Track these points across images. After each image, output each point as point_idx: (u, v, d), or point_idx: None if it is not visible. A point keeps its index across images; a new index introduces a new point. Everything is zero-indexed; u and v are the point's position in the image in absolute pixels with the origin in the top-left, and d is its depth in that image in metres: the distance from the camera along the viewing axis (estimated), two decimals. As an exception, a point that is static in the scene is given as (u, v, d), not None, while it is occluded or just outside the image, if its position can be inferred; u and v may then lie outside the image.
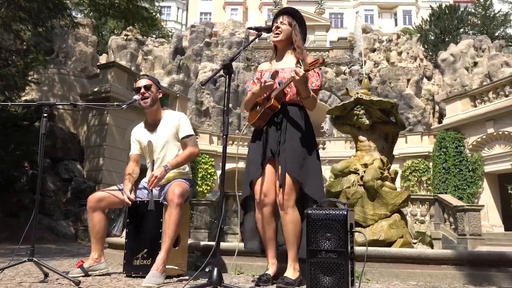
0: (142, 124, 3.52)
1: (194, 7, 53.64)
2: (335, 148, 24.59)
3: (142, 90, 3.25)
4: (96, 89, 14.58)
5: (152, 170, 3.27)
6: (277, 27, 2.99)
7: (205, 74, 27.49)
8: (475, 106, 16.74)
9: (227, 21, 32.90)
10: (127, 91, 14.89)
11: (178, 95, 18.15)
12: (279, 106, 2.84)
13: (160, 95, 3.36)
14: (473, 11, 40.09)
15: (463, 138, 16.73)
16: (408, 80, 27.38)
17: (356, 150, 7.34)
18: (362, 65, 25.69)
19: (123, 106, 3.23)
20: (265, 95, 2.95)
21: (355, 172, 6.89)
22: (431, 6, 41.48)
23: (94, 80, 15.51)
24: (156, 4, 42.59)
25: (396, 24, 51.10)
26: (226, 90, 2.50)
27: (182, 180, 3.19)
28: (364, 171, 6.78)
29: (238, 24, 31.16)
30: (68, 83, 15.99)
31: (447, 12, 37.66)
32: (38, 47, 18.78)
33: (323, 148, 24.90)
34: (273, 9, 43.25)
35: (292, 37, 3.01)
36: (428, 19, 38.94)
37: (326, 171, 24.17)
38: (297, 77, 2.63)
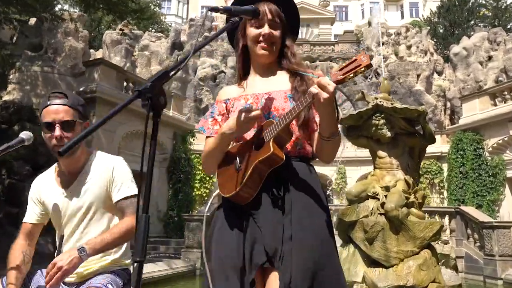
0: (50, 173, 2.20)
1: (195, 0, 52.21)
2: (342, 148, 23.24)
3: (57, 131, 1.92)
4: (81, 89, 13.33)
5: (59, 252, 2.01)
6: (269, 36, 1.73)
7: (204, 70, 26.19)
8: (495, 105, 15.36)
9: (228, 14, 31.45)
10: (115, 90, 13.65)
11: (172, 93, 16.87)
12: (284, 158, 1.56)
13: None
14: (484, 2, 38.46)
15: (482, 140, 15.36)
16: (418, 76, 25.97)
17: (375, 168, 6.06)
18: (381, 65, 24.00)
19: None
20: (245, 137, 1.71)
21: (374, 197, 5.63)
22: (440, -2, 39.92)
23: (81, 78, 14.28)
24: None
25: (402, 17, 49.60)
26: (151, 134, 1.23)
27: (109, 278, 1.89)
28: (386, 196, 5.53)
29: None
30: (52, 82, 14.74)
31: (457, 3, 36.11)
32: (19, 42, 17.57)
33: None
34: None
35: (288, 46, 1.84)
36: (437, 11, 37.40)
37: (331, 172, 22.93)
38: (324, 96, 1.41)
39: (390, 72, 26.26)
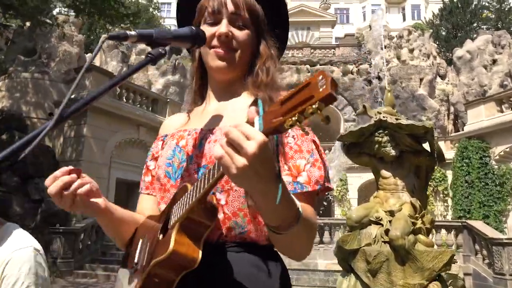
0: None
1: (195, 3, 51.86)
2: (343, 155, 22.75)
3: None
4: (72, 96, 12.82)
5: None
6: (227, 38, 1.11)
7: (203, 75, 25.70)
8: (502, 111, 14.82)
9: (227, 17, 31.07)
10: (107, 97, 13.15)
11: (168, 100, 16.39)
12: (197, 259, 0.89)
13: None
14: (487, 4, 37.95)
15: (488, 148, 14.83)
16: (421, 80, 25.44)
17: (378, 189, 5.54)
18: (383, 73, 23.15)
19: None
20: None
21: (378, 222, 5.12)
22: (442, 0, 39.46)
23: (72, 85, 13.79)
24: (155, 0, 41.09)
25: (404, 19, 49.19)
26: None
27: None
28: (390, 222, 5.02)
29: (238, 21, 29.33)
30: (43, 89, 14.29)
31: (460, 6, 35.62)
32: (12, 47, 17.14)
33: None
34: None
35: (261, 54, 1.17)
36: (439, 13, 36.91)
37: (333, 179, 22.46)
38: (239, 165, 0.74)
39: (392, 76, 25.75)
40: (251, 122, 0.77)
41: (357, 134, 5.36)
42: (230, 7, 1.12)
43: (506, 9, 36.88)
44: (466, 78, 23.99)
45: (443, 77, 26.81)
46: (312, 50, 27.52)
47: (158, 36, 0.97)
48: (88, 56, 25.15)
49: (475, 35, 31.11)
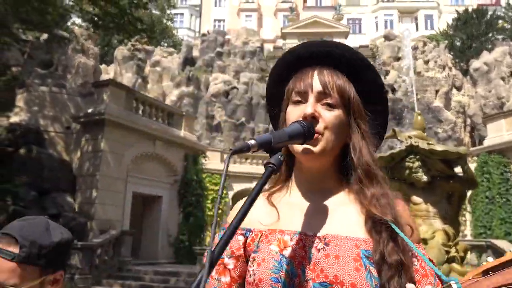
0: None
1: (208, 14, 52.18)
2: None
3: None
4: (89, 110, 12.88)
5: None
6: (312, 117, 0.97)
7: (216, 86, 25.74)
8: (524, 125, 14.56)
9: (240, 29, 31.13)
10: (124, 111, 13.17)
11: (184, 113, 16.37)
12: None
13: (59, 284, 1.27)
14: (502, 14, 37.57)
15: (509, 163, 14.52)
16: (437, 91, 25.19)
17: (408, 216, 5.37)
18: (413, 89, 22.67)
19: None
20: None
21: (410, 251, 4.92)
22: (457, 11, 39.17)
23: (89, 99, 13.85)
24: (168, 11, 41.43)
25: (417, 29, 48.90)
26: None
27: None
28: (423, 251, 4.82)
29: (251, 32, 29.34)
30: (61, 103, 14.36)
31: (475, 16, 35.29)
32: (29, 60, 17.31)
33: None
34: (289, 15, 41.40)
35: (354, 145, 1.01)
36: (453, 23, 36.60)
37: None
38: None
39: (407, 87, 25.53)
40: None
41: (387, 159, 5.22)
42: (317, 85, 1.01)
43: (522, 19, 36.49)
44: (483, 90, 23.69)
45: (459, 88, 26.51)
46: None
47: (277, 141, 0.87)
48: (103, 67, 25.35)
49: (490, 46, 30.79)
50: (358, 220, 0.97)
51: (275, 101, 1.13)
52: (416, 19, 50.70)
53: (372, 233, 0.93)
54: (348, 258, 0.91)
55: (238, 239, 1.04)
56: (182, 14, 51.61)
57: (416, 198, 5.32)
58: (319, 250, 0.94)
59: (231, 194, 21.93)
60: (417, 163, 5.17)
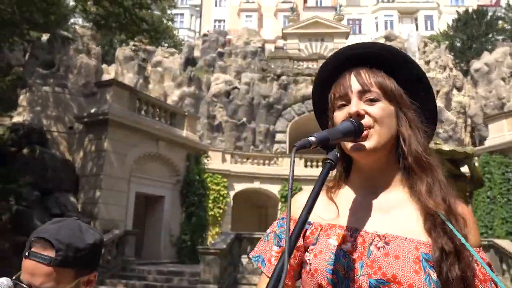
0: None
1: (208, 14, 52.20)
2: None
3: None
4: (93, 110, 12.91)
5: None
6: (357, 114, 1.01)
7: (218, 86, 25.76)
8: (525, 126, 14.62)
9: (242, 29, 31.16)
10: (127, 111, 13.19)
11: (186, 113, 16.40)
12: None
13: (92, 284, 1.31)
14: (503, 15, 37.65)
15: (511, 164, 14.58)
16: (438, 92, 25.21)
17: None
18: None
19: None
20: None
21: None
22: (457, 11, 39.25)
23: (92, 99, 13.87)
24: (168, 12, 41.41)
25: (417, 29, 48.93)
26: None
27: None
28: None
29: (252, 33, 29.36)
30: (64, 103, 14.38)
31: (475, 17, 35.36)
32: (31, 60, 17.32)
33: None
34: (290, 15, 41.41)
35: (403, 136, 1.04)
36: (453, 24, 36.67)
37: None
38: None
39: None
40: None
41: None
42: (356, 85, 1.05)
43: (522, 20, 36.56)
44: (484, 90, 23.74)
45: (459, 89, 26.56)
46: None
47: (333, 138, 0.92)
48: (104, 67, 25.35)
49: (490, 46, 30.86)
50: (417, 221, 1.00)
51: (322, 108, 1.17)
52: (416, 19, 50.76)
53: (431, 232, 0.96)
54: (407, 259, 0.94)
55: (279, 233, 1.10)
56: (182, 14, 51.63)
57: (423, 198, 5.35)
58: (378, 248, 0.97)
59: (232, 193, 21.96)
60: (424, 163, 5.19)
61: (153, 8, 26.19)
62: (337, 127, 0.98)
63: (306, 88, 26.38)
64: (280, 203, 22.16)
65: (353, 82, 1.05)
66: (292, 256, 1.07)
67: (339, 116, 1.05)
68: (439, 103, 25.04)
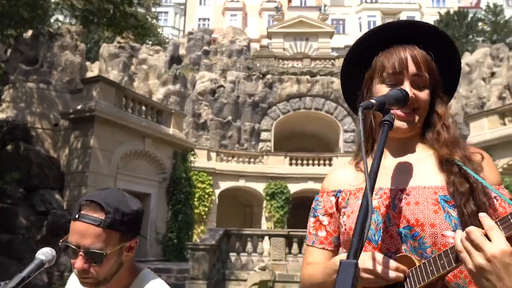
0: None
1: (192, 12, 52.00)
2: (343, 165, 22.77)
3: (78, 263, 1.24)
4: (79, 107, 12.78)
5: None
6: (412, 101, 1.12)
7: (203, 84, 25.73)
8: (505, 124, 14.97)
9: (227, 28, 31.14)
10: (114, 108, 13.11)
11: (173, 111, 16.36)
12: None
13: (133, 250, 1.35)
14: (483, 17, 38.48)
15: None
16: (420, 91, 25.67)
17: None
18: None
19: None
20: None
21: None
22: (439, 13, 39.94)
23: (78, 95, 13.72)
24: (153, 9, 41.12)
25: (400, 30, 49.67)
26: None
27: None
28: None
29: (238, 31, 29.38)
30: (48, 99, 14.18)
31: (456, 18, 36.05)
32: (13, 56, 17.05)
33: (330, 165, 23.13)
34: (275, 15, 41.56)
35: (438, 114, 1.18)
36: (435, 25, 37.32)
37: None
38: (477, 263, 0.84)
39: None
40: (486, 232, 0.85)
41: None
42: (412, 68, 1.14)
43: (501, 21, 37.40)
44: (465, 90, 24.23)
45: (441, 88, 27.04)
46: (312, 61, 27.65)
47: (388, 102, 1.04)
48: (87, 64, 25.06)
49: (470, 47, 31.48)
50: (434, 170, 1.11)
51: (352, 81, 1.28)
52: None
53: (446, 174, 1.08)
54: (426, 203, 1.05)
55: (330, 200, 1.23)
56: (166, 12, 51.30)
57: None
58: (401, 200, 1.08)
59: (217, 192, 21.98)
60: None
61: (137, 6, 26.03)
62: (389, 94, 1.08)
63: (291, 87, 26.54)
64: (265, 201, 22.26)
65: (410, 64, 1.14)
66: (327, 224, 1.21)
67: (384, 90, 1.14)
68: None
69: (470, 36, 35.87)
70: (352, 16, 51.62)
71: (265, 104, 26.32)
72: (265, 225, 21.63)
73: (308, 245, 1.23)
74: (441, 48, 1.20)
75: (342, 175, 1.26)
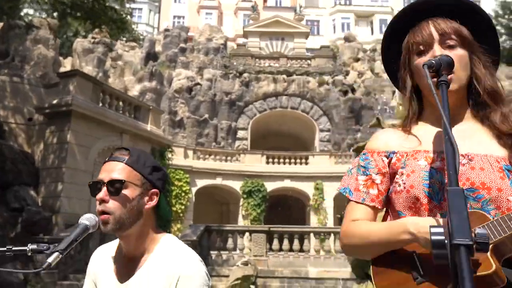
0: (112, 249, 1.56)
1: (167, 9, 51.50)
2: (319, 164, 23.07)
3: (100, 193, 1.37)
4: (55, 102, 12.47)
5: None
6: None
7: (180, 82, 25.53)
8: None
9: (204, 25, 31.00)
10: (91, 103, 12.86)
11: (151, 107, 16.16)
12: (505, 281, 0.98)
13: (153, 202, 1.43)
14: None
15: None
16: (393, 92, 26.20)
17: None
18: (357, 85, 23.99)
19: (48, 262, 1.27)
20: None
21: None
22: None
23: (53, 90, 13.39)
24: (127, 5, 40.51)
25: (372, 33, 50.56)
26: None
27: None
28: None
29: (215, 29, 29.28)
30: (22, 93, 13.78)
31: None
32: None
33: (306, 163, 23.35)
34: (251, 14, 41.62)
35: (477, 76, 1.20)
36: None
37: (309, 188, 22.69)
38: None
39: (366, 87, 26.41)
40: None
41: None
42: (438, 33, 1.19)
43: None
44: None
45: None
46: (288, 61, 27.86)
47: (443, 65, 1.08)
48: (61, 59, 24.45)
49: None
50: (492, 142, 1.16)
51: (390, 58, 1.35)
52: (371, 23, 52.37)
53: (508, 147, 1.13)
54: (492, 169, 1.10)
55: (383, 160, 1.24)
56: (140, 9, 50.62)
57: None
58: (463, 164, 1.11)
59: (194, 190, 21.87)
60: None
61: (111, 1, 25.59)
62: (442, 57, 1.11)
63: (267, 86, 26.64)
64: (242, 199, 22.29)
65: (434, 30, 1.19)
66: (379, 183, 1.23)
67: (420, 61, 1.18)
68: (396, 102, 26.04)
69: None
70: (326, 17, 52.22)
71: (242, 103, 26.35)
72: (242, 223, 21.64)
73: (357, 202, 1.22)
74: (478, 24, 1.25)
75: (391, 138, 1.28)
